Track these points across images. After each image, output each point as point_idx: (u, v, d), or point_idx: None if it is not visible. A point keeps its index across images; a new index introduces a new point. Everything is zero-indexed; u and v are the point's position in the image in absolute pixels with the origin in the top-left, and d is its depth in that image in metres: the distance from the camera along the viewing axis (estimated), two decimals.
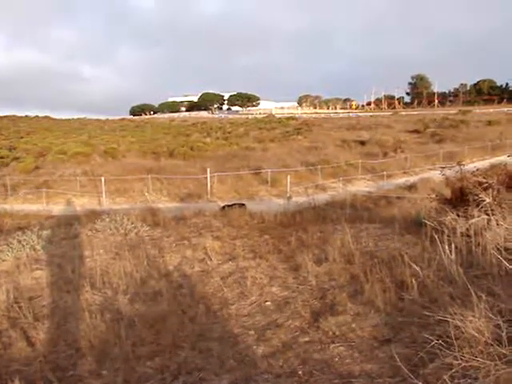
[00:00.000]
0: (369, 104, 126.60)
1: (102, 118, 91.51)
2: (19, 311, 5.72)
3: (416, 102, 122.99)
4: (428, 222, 5.96)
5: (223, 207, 14.14)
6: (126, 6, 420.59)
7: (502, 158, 27.33)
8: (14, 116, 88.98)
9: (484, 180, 6.70)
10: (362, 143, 37.32)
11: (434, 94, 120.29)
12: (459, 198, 7.17)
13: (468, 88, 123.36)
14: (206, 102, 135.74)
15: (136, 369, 4.18)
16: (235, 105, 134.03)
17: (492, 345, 3.04)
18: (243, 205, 14.01)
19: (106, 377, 4.13)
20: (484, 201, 5.96)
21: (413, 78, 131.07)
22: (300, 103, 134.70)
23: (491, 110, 71.05)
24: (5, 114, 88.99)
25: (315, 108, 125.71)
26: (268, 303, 5.49)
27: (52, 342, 5.08)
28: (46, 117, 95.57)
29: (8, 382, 3.92)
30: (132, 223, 9.55)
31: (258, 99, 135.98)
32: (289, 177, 21.65)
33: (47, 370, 4.29)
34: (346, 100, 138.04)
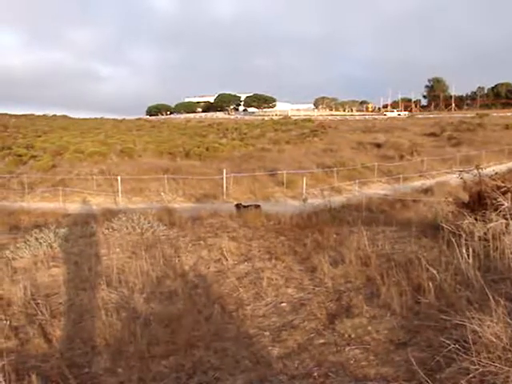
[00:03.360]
0: (385, 107, 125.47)
1: (119, 117, 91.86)
2: (36, 308, 5.79)
3: (433, 105, 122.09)
4: (445, 226, 5.91)
5: (237, 205, 14.14)
6: (143, 6, 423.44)
7: None
8: (32, 115, 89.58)
9: (502, 184, 6.62)
10: (378, 146, 37.10)
11: (451, 97, 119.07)
12: (477, 202, 7.09)
13: (486, 91, 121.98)
14: (222, 103, 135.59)
15: (151, 367, 4.21)
16: (251, 106, 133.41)
17: (510, 350, 3.00)
18: (259, 206, 13.97)
19: (121, 375, 4.16)
20: (502, 205, 5.89)
21: (430, 80, 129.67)
22: (316, 105, 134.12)
23: (509, 114, 70.15)
24: (23, 113, 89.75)
25: (331, 110, 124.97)
26: (284, 304, 5.49)
27: (68, 339, 5.13)
28: (63, 116, 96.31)
29: (25, 377, 3.97)
30: (148, 222, 9.60)
31: (275, 101, 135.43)
32: (304, 179, 21.59)
33: (63, 366, 4.33)
34: (362, 102, 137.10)
